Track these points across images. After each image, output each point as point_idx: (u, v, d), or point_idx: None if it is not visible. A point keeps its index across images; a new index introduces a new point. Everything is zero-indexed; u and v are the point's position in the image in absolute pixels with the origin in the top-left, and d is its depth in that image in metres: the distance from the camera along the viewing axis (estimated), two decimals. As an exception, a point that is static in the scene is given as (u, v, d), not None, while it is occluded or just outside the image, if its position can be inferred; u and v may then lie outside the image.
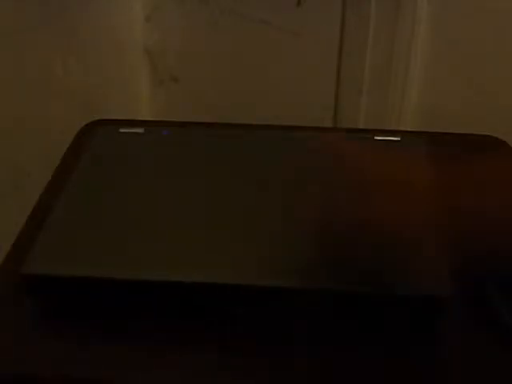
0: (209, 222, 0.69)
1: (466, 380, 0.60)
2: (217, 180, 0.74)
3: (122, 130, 0.81)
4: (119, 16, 1.19)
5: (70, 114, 1.14)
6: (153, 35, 1.22)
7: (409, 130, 1.18)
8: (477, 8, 1.09)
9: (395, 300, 0.62)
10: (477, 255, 0.67)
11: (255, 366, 0.61)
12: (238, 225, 0.68)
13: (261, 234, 0.67)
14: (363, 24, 1.12)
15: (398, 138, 0.79)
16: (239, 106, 1.23)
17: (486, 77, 1.15)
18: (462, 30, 1.12)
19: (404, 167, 0.75)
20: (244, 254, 0.64)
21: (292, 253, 0.65)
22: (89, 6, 1.13)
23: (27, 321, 0.65)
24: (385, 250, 0.65)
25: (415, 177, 0.73)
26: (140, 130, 0.81)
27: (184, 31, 1.21)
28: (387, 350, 0.62)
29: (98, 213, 0.70)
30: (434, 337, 0.63)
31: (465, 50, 1.13)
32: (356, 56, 1.15)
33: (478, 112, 1.15)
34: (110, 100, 1.22)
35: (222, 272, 0.63)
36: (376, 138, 0.80)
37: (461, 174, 0.76)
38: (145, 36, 1.23)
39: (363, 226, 0.68)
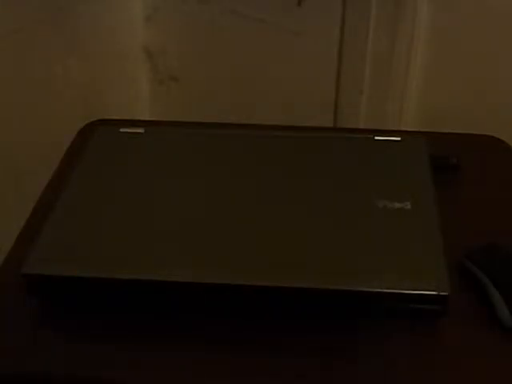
0: (208, 222, 0.68)
1: (466, 380, 0.60)
2: (217, 180, 0.74)
3: (122, 130, 0.81)
4: (119, 16, 1.19)
5: (70, 114, 1.14)
6: (153, 35, 1.22)
7: (409, 129, 1.18)
8: (477, 8, 1.09)
9: (396, 299, 0.62)
10: None
11: (255, 365, 0.61)
12: (238, 224, 0.68)
13: (261, 234, 0.67)
14: (363, 24, 1.12)
15: (398, 138, 0.79)
16: (239, 105, 1.23)
17: (485, 77, 1.15)
18: (462, 31, 1.12)
19: None
20: (244, 254, 0.64)
21: (291, 253, 0.65)
22: (89, 6, 1.13)
23: (28, 321, 0.66)
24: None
25: None
26: (140, 130, 0.81)
27: (184, 31, 1.21)
28: (387, 348, 0.62)
29: (98, 213, 0.70)
30: (433, 336, 0.63)
31: (465, 50, 1.13)
32: (356, 56, 1.15)
33: (478, 112, 1.15)
34: (110, 100, 1.22)
35: (222, 272, 0.63)
36: (376, 138, 0.80)
37: None
38: (145, 36, 1.23)
39: None
